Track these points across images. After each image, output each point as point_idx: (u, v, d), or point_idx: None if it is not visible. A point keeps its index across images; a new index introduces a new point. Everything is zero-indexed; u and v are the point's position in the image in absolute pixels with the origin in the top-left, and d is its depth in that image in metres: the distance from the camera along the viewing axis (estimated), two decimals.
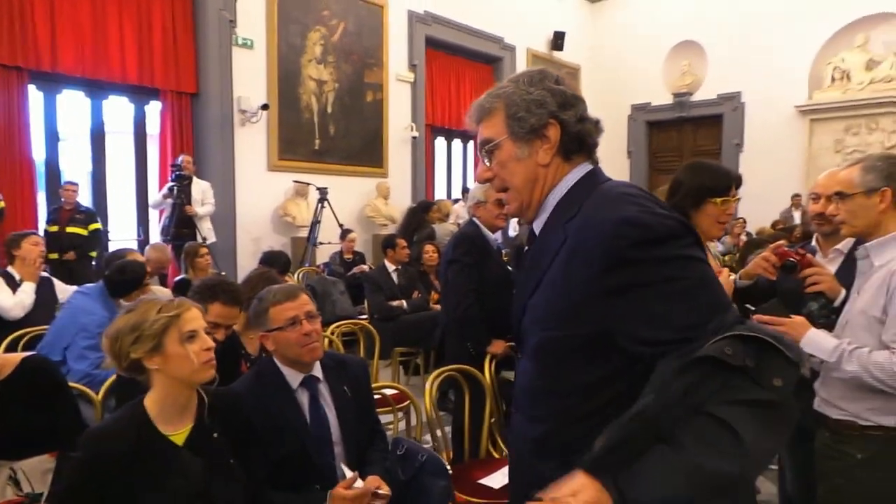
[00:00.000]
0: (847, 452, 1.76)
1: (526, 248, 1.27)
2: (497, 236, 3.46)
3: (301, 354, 1.90)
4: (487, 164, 1.22)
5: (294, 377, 1.94)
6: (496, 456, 2.76)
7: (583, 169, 1.18)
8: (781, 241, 2.26)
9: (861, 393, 1.71)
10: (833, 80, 9.59)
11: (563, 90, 1.16)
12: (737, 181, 2.10)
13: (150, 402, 1.60)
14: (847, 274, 1.93)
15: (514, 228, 7.49)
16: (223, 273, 5.17)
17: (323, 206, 6.86)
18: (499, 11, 10.11)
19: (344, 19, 8.05)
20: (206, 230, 6.29)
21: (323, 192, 6.84)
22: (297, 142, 7.60)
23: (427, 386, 2.53)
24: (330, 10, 7.87)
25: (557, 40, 11.17)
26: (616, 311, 1.02)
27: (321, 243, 6.93)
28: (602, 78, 11.54)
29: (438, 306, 5.09)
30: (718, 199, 2.01)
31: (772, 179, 9.23)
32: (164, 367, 1.56)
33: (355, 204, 8.18)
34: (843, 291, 1.90)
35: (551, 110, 1.14)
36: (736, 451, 0.88)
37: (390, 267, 5.09)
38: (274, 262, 3.81)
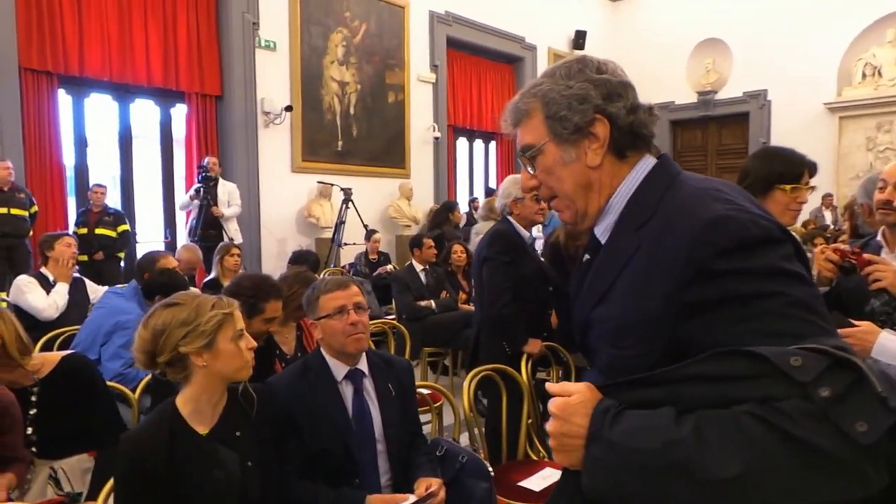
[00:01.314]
0: None
1: (587, 256, 1.13)
2: (532, 232, 3.40)
3: (346, 344, 1.91)
4: (531, 171, 1.09)
5: (340, 369, 1.94)
6: (534, 458, 2.70)
7: (647, 163, 1.04)
8: (842, 242, 2.17)
9: None
10: (864, 76, 9.40)
11: (608, 79, 1.02)
12: (810, 168, 2.01)
13: (183, 400, 1.59)
14: None
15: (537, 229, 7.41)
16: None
17: (347, 207, 6.86)
18: (520, 11, 10.06)
19: (366, 20, 8.05)
20: (233, 231, 6.31)
21: (347, 192, 6.84)
22: (320, 143, 7.62)
23: (465, 385, 2.48)
24: (351, 11, 7.88)
25: (579, 39, 11.08)
26: (696, 330, 0.87)
27: (346, 244, 6.92)
28: None
29: (467, 306, 5.06)
30: (788, 186, 1.93)
31: None
32: (212, 363, 1.55)
33: (378, 205, 8.18)
34: None
35: (596, 104, 1.00)
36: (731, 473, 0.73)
37: (418, 267, 5.06)
38: (304, 261, 3.80)
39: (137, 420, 2.34)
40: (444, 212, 7.83)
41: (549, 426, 0.89)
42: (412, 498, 1.79)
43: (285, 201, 7.32)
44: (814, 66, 9.66)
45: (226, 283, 4.49)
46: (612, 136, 1.02)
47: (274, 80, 7.13)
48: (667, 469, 0.76)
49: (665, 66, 11.11)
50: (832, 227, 7.89)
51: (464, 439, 2.61)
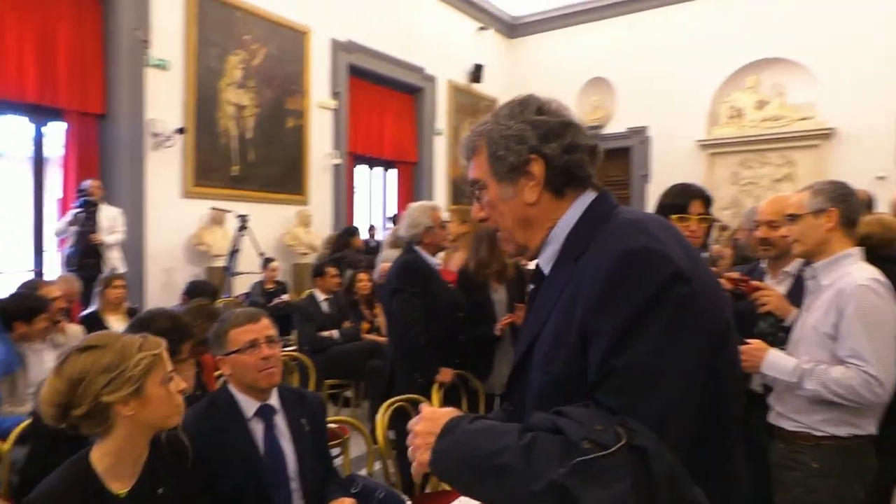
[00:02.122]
0: (803, 462, 1.83)
1: (532, 286, 1.19)
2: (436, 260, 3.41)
3: (258, 379, 1.82)
4: (479, 203, 1.16)
5: (250, 405, 1.84)
6: (447, 489, 2.67)
7: (586, 199, 1.09)
8: (733, 274, 2.35)
9: (815, 406, 1.80)
10: (729, 117, 10.37)
11: (546, 120, 1.07)
12: (702, 199, 2.15)
13: (100, 455, 1.41)
14: (798, 294, 2.03)
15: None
16: (136, 306, 4.81)
17: (243, 234, 6.58)
18: (420, 43, 10.26)
19: (266, 44, 7.88)
20: (115, 260, 5.85)
21: (244, 219, 6.57)
22: (213, 168, 7.29)
23: (379, 417, 2.43)
24: (251, 34, 7.69)
25: (477, 72, 11.45)
26: (588, 356, 0.94)
27: (240, 273, 6.62)
28: None
29: (370, 336, 4.98)
30: (675, 216, 2.06)
31: None
32: (140, 411, 1.39)
33: (275, 232, 7.92)
34: (794, 310, 1.99)
35: (531, 145, 1.06)
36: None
37: (320, 296, 4.93)
38: (200, 293, 3.58)
39: (8, 479, 2.06)
40: (344, 236, 7.72)
41: (416, 426, 0.98)
42: None
43: (174, 228, 6.91)
44: (687, 106, 10.55)
45: (108, 318, 4.16)
46: (548, 175, 1.07)
47: (165, 101, 6.77)
48: (492, 469, 0.86)
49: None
50: (708, 254, 8.56)
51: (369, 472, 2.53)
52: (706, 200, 2.21)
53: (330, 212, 8.92)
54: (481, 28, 11.72)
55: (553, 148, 1.06)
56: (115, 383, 1.35)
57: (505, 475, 0.84)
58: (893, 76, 8.82)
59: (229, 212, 6.93)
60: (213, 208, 6.97)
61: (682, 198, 2.14)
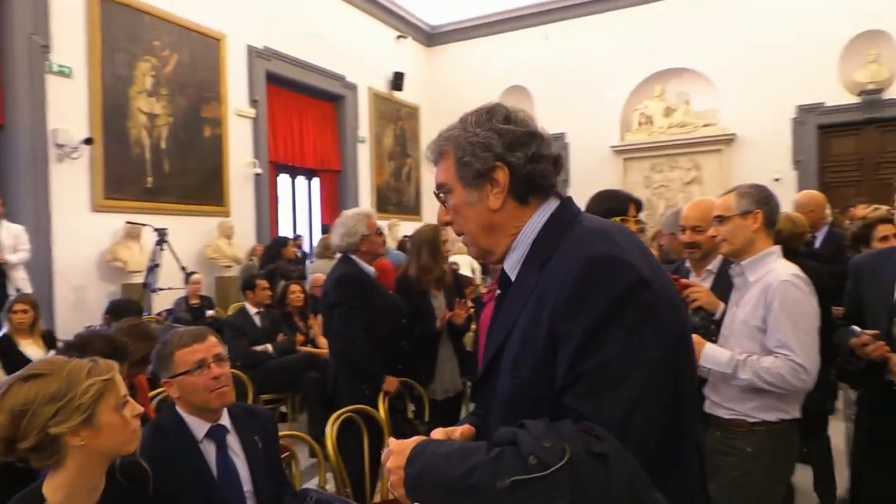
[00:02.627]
0: (738, 447, 1.96)
1: (499, 291, 1.21)
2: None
3: (209, 400, 1.76)
4: (444, 207, 1.18)
5: (199, 427, 1.77)
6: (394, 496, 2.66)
7: (549, 206, 1.12)
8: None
9: (748, 394, 1.93)
10: (640, 124, 10.91)
11: (512, 129, 1.09)
12: (635, 203, 2.28)
13: (52, 488, 1.31)
14: (721, 289, 2.18)
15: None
16: (47, 328, 4.49)
17: (162, 249, 6.28)
18: (339, 50, 10.17)
19: (177, 51, 7.57)
20: (20, 280, 5.44)
21: (162, 233, 6.27)
22: (126, 180, 6.92)
23: (329, 429, 2.39)
24: (161, 40, 7.37)
25: (397, 80, 11.48)
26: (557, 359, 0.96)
27: (160, 289, 6.32)
28: (440, 119, 11.99)
29: (305, 348, 4.88)
30: (618, 219, 2.17)
31: None
32: (92, 441, 1.30)
33: (195, 245, 7.61)
34: (722, 304, 2.13)
35: (497, 153, 1.08)
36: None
37: (251, 310, 4.78)
38: (125, 312, 3.38)
39: None
40: (276, 247, 7.54)
41: (387, 462, 0.98)
42: None
43: (84, 244, 6.50)
44: (602, 113, 11.03)
45: (21, 342, 3.87)
46: (512, 183, 1.09)
47: (70, 110, 6.37)
48: (463, 489, 0.87)
49: None
50: None
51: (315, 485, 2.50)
52: (638, 205, 2.34)
53: (252, 222, 8.66)
54: (400, 36, 11.77)
55: (518, 157, 1.08)
56: (63, 413, 1.26)
57: (478, 494, 0.86)
58: (785, 87, 9.58)
59: (146, 225, 6.59)
60: (129, 222, 6.61)
61: (621, 202, 2.26)
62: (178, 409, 1.78)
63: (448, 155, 1.13)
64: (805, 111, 9.65)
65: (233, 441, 1.81)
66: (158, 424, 1.77)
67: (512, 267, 1.14)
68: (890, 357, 2.05)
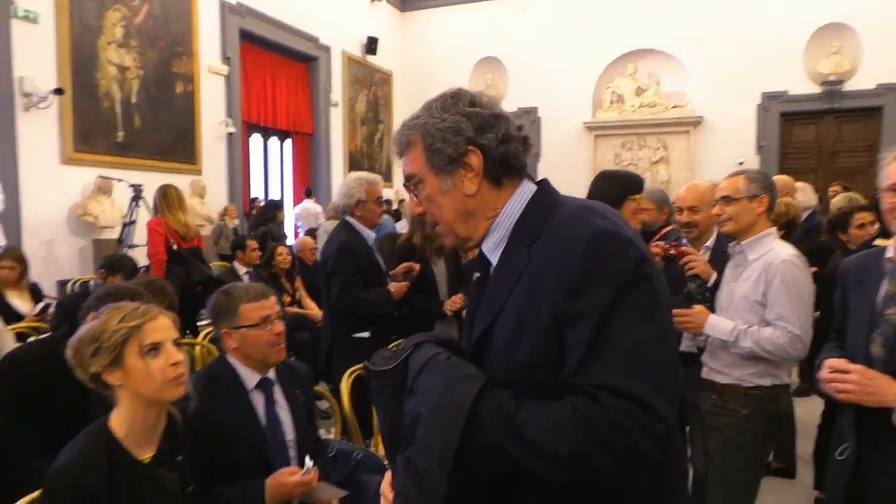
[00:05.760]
0: (734, 409, 2.16)
1: (477, 274, 1.18)
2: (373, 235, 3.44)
3: (269, 355, 1.87)
4: (416, 198, 1.14)
5: (251, 378, 1.88)
6: None
7: (527, 188, 1.11)
8: (660, 242, 2.65)
9: (745, 361, 2.12)
10: (611, 102, 11.11)
11: (479, 112, 1.07)
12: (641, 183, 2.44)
13: (117, 422, 1.42)
14: (716, 262, 2.36)
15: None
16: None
17: (137, 206, 6.15)
18: (314, 11, 9.97)
19: (148, 1, 7.31)
20: None
21: (137, 189, 6.13)
22: (96, 133, 6.71)
23: (343, 386, 2.48)
24: None
25: (371, 45, 11.33)
26: (567, 339, 0.96)
27: (136, 245, 6.20)
28: (413, 86, 11.96)
29: (293, 308, 4.91)
30: (636, 196, 2.33)
31: (565, 188, 10.11)
32: (126, 382, 1.40)
33: None
34: (714, 273, 2.32)
35: (468, 136, 1.05)
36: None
37: (240, 269, 4.78)
38: (120, 268, 3.35)
39: None
40: (271, 210, 7.52)
41: (387, 490, 1.04)
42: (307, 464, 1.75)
43: (54, 197, 6.31)
44: (574, 90, 11.17)
45: (9, 295, 3.80)
46: (486, 166, 1.07)
47: (37, 58, 6.11)
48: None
49: (450, 79, 11.81)
50: None
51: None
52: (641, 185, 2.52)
53: (225, 183, 8.53)
54: None
55: (490, 139, 1.06)
56: (98, 353, 1.38)
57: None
58: (752, 74, 9.90)
59: (120, 181, 6.44)
60: (102, 177, 6.44)
61: (637, 182, 2.44)
62: (232, 359, 1.87)
63: (415, 144, 1.10)
64: (770, 98, 10.02)
65: (278, 394, 1.91)
66: (213, 373, 1.86)
67: (492, 249, 1.11)
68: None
